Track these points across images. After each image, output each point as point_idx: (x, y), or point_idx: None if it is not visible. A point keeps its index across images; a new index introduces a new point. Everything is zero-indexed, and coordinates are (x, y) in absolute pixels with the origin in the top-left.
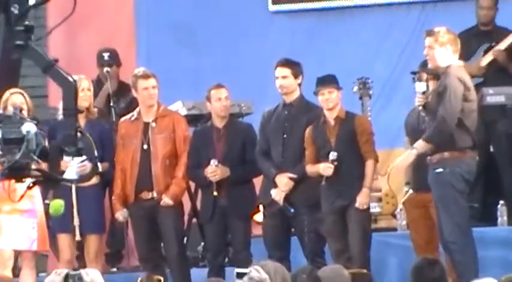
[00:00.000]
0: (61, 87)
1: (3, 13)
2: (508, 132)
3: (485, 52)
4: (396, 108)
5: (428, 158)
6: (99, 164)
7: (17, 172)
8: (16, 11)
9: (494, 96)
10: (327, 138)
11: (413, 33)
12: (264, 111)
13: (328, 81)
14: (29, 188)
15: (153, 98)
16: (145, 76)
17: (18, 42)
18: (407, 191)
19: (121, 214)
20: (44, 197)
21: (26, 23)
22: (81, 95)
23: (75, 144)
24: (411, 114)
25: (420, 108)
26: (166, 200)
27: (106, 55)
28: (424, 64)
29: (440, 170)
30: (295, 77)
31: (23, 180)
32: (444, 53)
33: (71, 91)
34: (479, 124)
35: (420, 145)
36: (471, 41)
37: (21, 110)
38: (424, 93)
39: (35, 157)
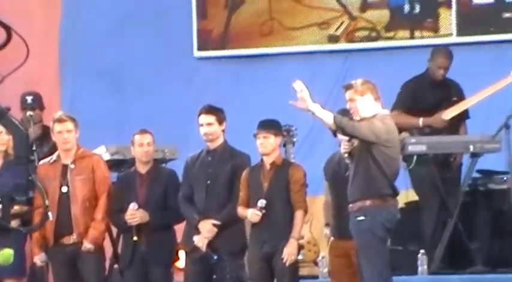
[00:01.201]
0: (13, 136)
1: None
2: (431, 180)
3: (447, 106)
4: (320, 155)
5: (350, 205)
6: (49, 214)
7: None
8: None
9: (416, 145)
10: (260, 183)
11: (337, 80)
12: (188, 157)
13: (266, 126)
14: None
15: (68, 142)
16: (61, 120)
17: None
18: (327, 235)
19: (39, 258)
20: None
21: None
22: None
23: (26, 193)
24: (331, 161)
25: (345, 155)
26: (87, 245)
27: (29, 99)
28: (342, 111)
29: (361, 217)
30: (220, 123)
31: None
32: (366, 102)
33: (22, 140)
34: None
35: (328, 114)
36: (425, 92)
37: None
38: (349, 140)
39: None
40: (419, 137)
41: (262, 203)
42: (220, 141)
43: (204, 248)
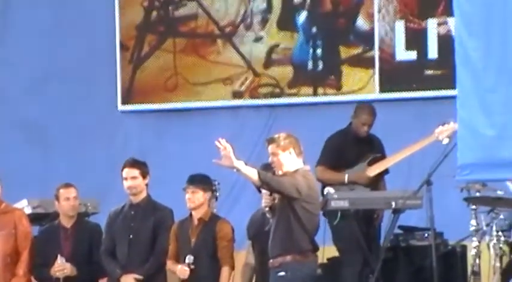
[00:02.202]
0: None
1: None
2: (353, 236)
3: (371, 162)
4: (243, 210)
5: (271, 261)
6: None
7: None
8: None
9: (338, 201)
10: (188, 237)
11: (261, 135)
12: (110, 211)
13: (195, 180)
14: None
15: None
16: None
17: None
18: None
19: None
20: None
21: None
22: None
23: None
24: (254, 216)
25: (266, 209)
26: None
27: None
28: (265, 166)
29: (282, 273)
30: (144, 177)
31: None
32: (289, 157)
33: None
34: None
35: (252, 170)
36: (349, 147)
37: None
38: (271, 194)
39: None
40: (342, 192)
41: (190, 258)
42: (143, 195)
43: None
